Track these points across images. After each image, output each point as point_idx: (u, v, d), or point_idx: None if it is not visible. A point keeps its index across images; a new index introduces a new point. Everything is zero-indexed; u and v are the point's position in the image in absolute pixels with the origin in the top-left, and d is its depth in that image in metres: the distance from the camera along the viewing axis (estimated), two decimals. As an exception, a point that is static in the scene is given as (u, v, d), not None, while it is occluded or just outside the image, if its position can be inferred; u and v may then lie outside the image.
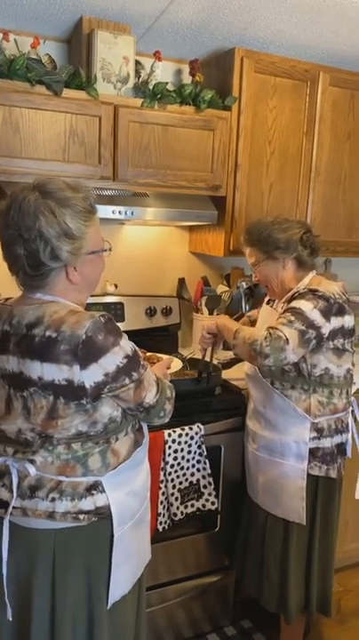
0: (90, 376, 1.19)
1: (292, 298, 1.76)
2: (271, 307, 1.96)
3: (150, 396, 1.30)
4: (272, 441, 1.83)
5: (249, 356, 1.67)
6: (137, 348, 1.29)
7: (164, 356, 1.88)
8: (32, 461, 1.26)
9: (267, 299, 2.03)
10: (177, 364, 1.92)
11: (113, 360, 1.21)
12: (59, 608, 1.28)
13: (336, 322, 1.70)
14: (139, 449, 1.37)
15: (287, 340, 1.59)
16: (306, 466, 1.78)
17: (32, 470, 1.25)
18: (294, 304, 1.68)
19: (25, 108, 1.84)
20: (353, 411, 1.91)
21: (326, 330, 1.68)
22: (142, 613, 1.52)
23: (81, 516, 1.27)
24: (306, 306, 1.66)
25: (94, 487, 1.28)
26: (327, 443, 1.79)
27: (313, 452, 1.78)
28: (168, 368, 1.66)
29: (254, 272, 1.89)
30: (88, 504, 1.27)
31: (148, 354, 1.94)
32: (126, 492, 1.33)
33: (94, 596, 1.32)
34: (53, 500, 1.26)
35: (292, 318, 1.64)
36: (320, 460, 1.78)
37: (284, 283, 1.82)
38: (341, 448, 1.83)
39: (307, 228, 1.83)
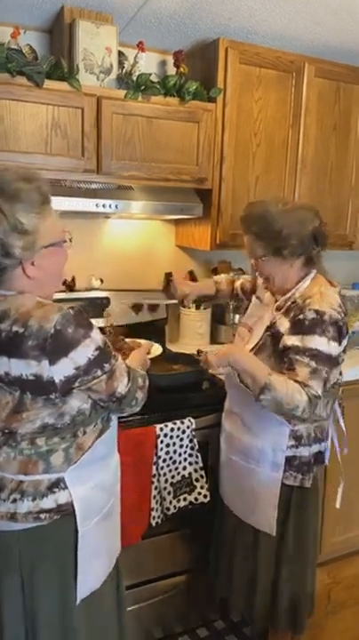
0: (59, 370, 1.17)
1: (290, 308, 1.65)
2: (259, 300, 1.86)
3: (122, 386, 1.29)
4: (249, 446, 1.73)
5: (283, 414, 1.55)
6: (106, 339, 1.27)
7: (144, 341, 1.85)
8: None
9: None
10: (157, 350, 1.88)
11: (84, 353, 1.19)
12: (31, 611, 1.27)
13: (344, 342, 1.62)
14: (101, 438, 1.33)
15: (320, 395, 1.53)
16: (281, 474, 1.68)
17: None
18: (308, 342, 1.54)
19: (5, 99, 1.80)
20: (337, 419, 1.82)
21: (338, 352, 1.60)
22: (123, 611, 1.51)
23: (42, 515, 1.25)
24: (321, 344, 1.54)
25: (56, 485, 1.26)
26: (305, 452, 1.69)
27: (289, 461, 1.68)
28: (148, 353, 1.65)
29: (253, 263, 1.73)
30: (49, 502, 1.26)
31: (128, 340, 1.92)
32: (91, 487, 1.32)
33: (66, 595, 1.30)
34: (15, 500, 1.24)
35: (314, 365, 1.52)
36: (296, 470, 1.69)
37: (287, 281, 1.70)
38: (319, 457, 1.74)
39: (320, 220, 1.66)
